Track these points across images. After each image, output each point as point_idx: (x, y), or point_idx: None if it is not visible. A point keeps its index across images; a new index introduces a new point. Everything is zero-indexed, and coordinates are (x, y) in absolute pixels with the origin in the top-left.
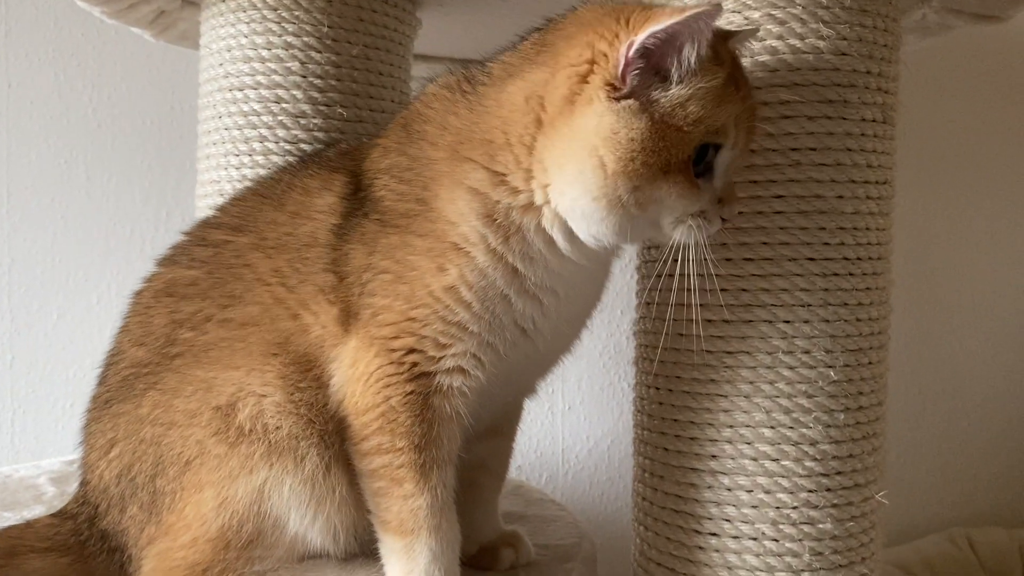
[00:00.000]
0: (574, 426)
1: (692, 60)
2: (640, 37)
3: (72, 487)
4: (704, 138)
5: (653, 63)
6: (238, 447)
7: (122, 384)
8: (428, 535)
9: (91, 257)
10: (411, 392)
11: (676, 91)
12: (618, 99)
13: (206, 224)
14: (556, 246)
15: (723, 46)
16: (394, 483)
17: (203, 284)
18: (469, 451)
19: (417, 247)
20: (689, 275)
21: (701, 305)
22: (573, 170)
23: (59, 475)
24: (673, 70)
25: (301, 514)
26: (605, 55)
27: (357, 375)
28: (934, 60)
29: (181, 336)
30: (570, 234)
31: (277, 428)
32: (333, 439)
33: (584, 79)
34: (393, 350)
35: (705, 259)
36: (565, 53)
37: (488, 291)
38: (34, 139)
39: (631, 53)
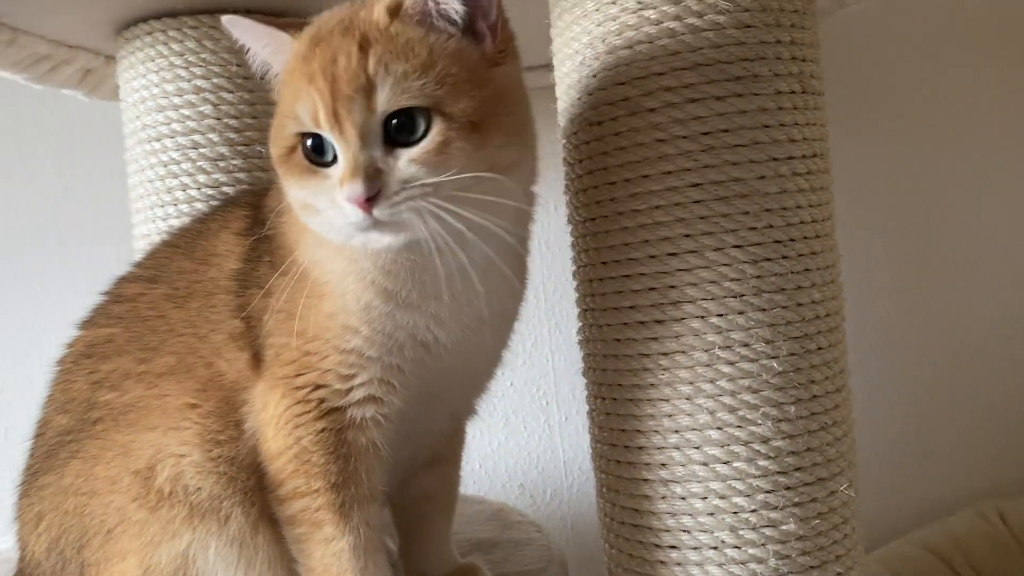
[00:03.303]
0: (573, 437)
1: (265, 44)
2: None
3: None
4: (293, 127)
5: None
6: (159, 511)
7: (47, 454)
8: None
9: (73, 320)
10: (323, 430)
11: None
12: None
13: (122, 279)
14: (402, 253)
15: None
16: (314, 527)
17: (119, 340)
18: (412, 484)
19: (299, 288)
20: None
21: (632, 307)
22: None
23: None
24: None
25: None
26: None
27: (267, 418)
28: (907, 12)
29: (101, 399)
30: None
31: (198, 489)
32: (257, 496)
33: None
34: (298, 388)
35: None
36: None
37: (370, 313)
38: (3, 208)
39: None
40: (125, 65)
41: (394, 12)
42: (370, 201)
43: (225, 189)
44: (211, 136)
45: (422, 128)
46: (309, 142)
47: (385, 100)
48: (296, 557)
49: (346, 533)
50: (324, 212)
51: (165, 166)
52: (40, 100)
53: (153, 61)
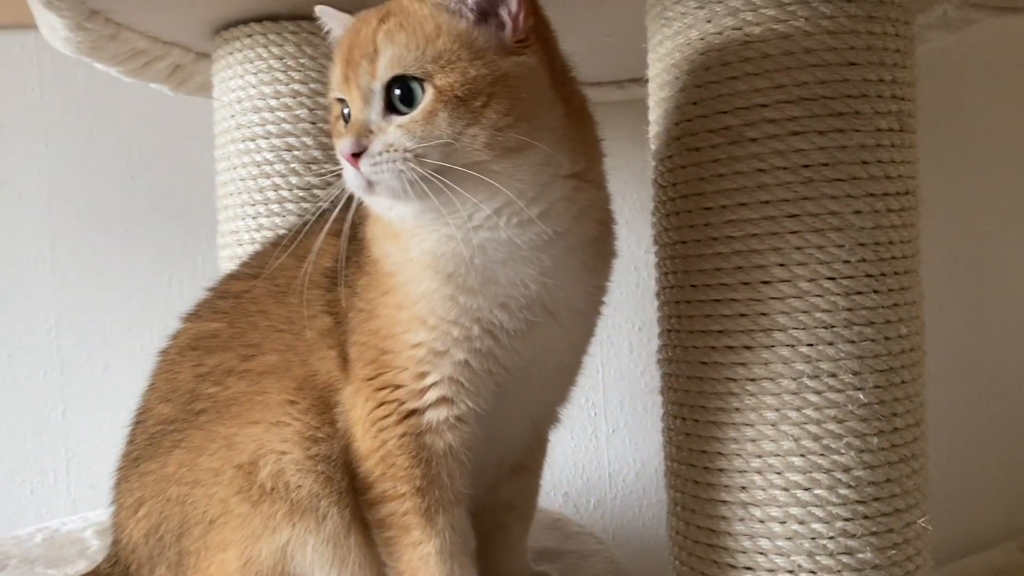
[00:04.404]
0: (619, 449)
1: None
2: None
3: None
4: (330, 95)
5: None
6: (261, 506)
7: (149, 442)
8: None
9: (133, 307)
10: (404, 434)
11: None
12: None
13: (228, 276)
14: (445, 235)
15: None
16: (402, 531)
17: (224, 335)
18: (494, 492)
19: (374, 285)
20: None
21: (721, 332)
22: None
23: (105, 528)
24: None
25: (325, 574)
26: None
27: (354, 419)
28: (972, 53)
29: (205, 391)
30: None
31: (299, 486)
32: (349, 498)
33: None
34: (378, 389)
35: None
36: None
37: (432, 300)
38: (73, 195)
39: None
40: (222, 64)
41: None
42: (357, 157)
43: (316, 192)
44: (305, 140)
45: (420, 99)
46: (345, 109)
47: (383, 67)
48: (385, 560)
49: (432, 537)
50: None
51: (258, 166)
52: (113, 91)
53: (252, 63)
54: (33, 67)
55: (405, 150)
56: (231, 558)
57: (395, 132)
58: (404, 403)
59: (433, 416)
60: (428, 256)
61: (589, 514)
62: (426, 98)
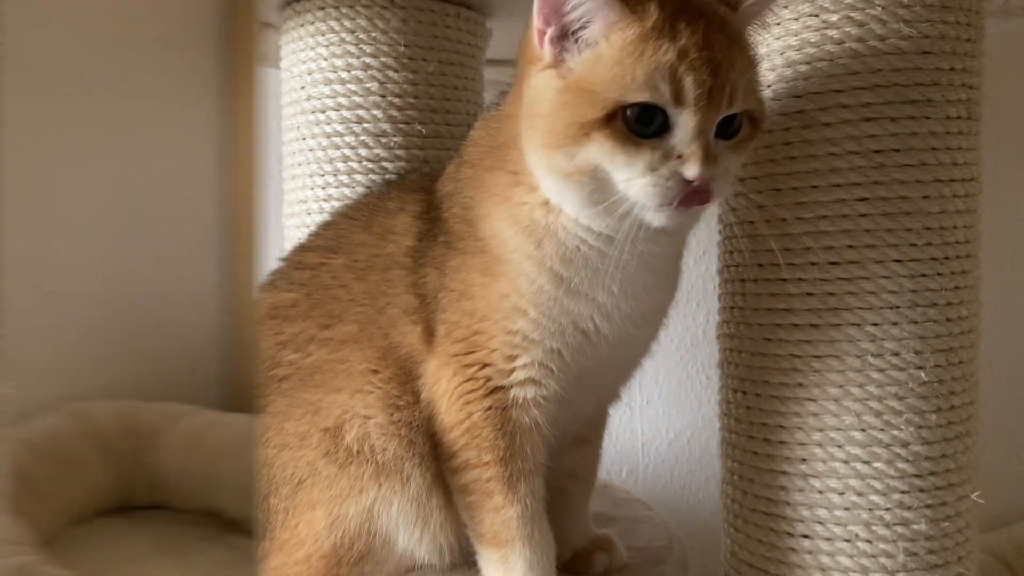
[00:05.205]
0: (653, 420)
1: (583, 15)
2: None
3: None
4: (621, 96)
5: (563, 26)
6: (347, 468)
7: None
8: (522, 545)
9: None
10: (490, 408)
11: (585, 52)
12: (543, 71)
13: (301, 248)
14: (589, 242)
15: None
16: (485, 496)
17: (303, 305)
18: (558, 460)
19: (474, 266)
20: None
21: (787, 310)
22: (527, 151)
23: None
24: (572, 28)
25: (409, 532)
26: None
27: (440, 392)
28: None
29: (285, 358)
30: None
31: (383, 449)
32: (430, 461)
33: (529, 61)
34: (467, 366)
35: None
36: (528, 40)
37: (539, 296)
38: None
39: (537, 20)
40: (293, 36)
41: (735, 6)
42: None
43: (385, 164)
44: (375, 112)
45: (740, 125)
46: (632, 111)
47: (741, 96)
48: (467, 522)
49: (514, 503)
50: (630, 180)
51: (328, 137)
52: None
53: (324, 35)
54: None
55: (730, 177)
56: (319, 516)
57: (727, 157)
58: (491, 380)
59: (520, 393)
60: (557, 259)
61: (621, 482)
62: (747, 125)
